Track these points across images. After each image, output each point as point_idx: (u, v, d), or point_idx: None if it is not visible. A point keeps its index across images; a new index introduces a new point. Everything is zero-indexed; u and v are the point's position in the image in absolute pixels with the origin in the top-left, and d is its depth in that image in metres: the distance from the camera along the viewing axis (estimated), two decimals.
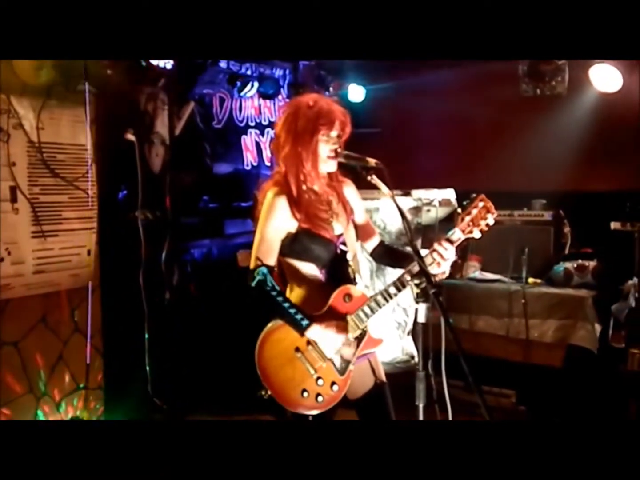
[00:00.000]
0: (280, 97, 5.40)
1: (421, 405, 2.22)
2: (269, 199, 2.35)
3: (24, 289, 3.57)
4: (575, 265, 4.28)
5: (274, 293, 2.28)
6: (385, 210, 3.91)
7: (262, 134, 5.49)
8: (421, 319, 2.25)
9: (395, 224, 3.91)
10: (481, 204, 2.33)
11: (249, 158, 5.43)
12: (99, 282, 3.97)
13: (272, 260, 2.35)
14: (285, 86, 5.48)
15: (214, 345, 4.43)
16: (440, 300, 2.14)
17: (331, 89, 5.29)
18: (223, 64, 4.78)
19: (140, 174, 3.97)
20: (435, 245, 2.34)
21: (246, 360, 4.39)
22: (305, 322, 2.26)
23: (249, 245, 4.38)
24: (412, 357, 3.97)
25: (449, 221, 4.55)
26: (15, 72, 3.43)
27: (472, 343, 4.28)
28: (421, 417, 2.22)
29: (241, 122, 5.33)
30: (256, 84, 4.91)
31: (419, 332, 2.50)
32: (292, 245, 2.37)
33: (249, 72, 5.01)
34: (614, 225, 3.96)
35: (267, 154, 5.62)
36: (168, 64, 4.07)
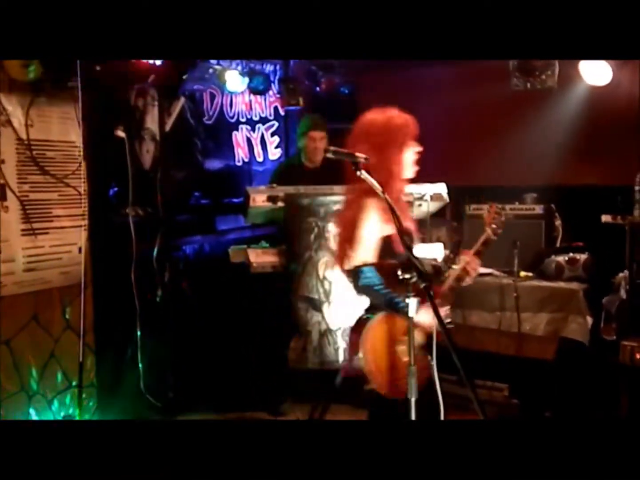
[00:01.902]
0: (270, 92, 5.40)
1: (413, 400, 2.23)
2: (368, 206, 2.57)
3: (14, 287, 3.55)
4: (566, 259, 4.28)
5: (379, 287, 2.54)
6: None
7: (253, 129, 5.48)
8: (412, 313, 2.25)
9: None
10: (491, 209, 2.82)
11: (240, 154, 5.42)
12: (90, 279, 3.96)
13: (373, 259, 2.58)
14: (276, 82, 5.47)
15: (207, 342, 4.43)
16: (430, 295, 2.15)
17: (322, 85, 5.27)
18: (213, 60, 4.77)
19: (130, 170, 3.96)
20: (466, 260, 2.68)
21: (240, 356, 4.41)
22: None
23: (240, 241, 4.43)
24: None
25: (441, 215, 4.56)
26: (3, 68, 3.41)
27: (465, 337, 4.28)
28: (413, 411, 2.22)
29: (232, 118, 5.33)
30: (246, 80, 4.90)
31: (410, 327, 2.50)
32: (380, 247, 2.60)
33: (239, 68, 4.99)
34: (605, 218, 3.96)
35: (258, 150, 5.61)
36: (158, 60, 4.06)
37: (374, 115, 2.68)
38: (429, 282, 2.17)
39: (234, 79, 4.85)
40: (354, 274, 2.59)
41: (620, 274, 3.90)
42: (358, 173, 2.34)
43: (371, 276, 2.55)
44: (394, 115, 2.66)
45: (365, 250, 2.58)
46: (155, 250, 4.18)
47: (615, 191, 4.11)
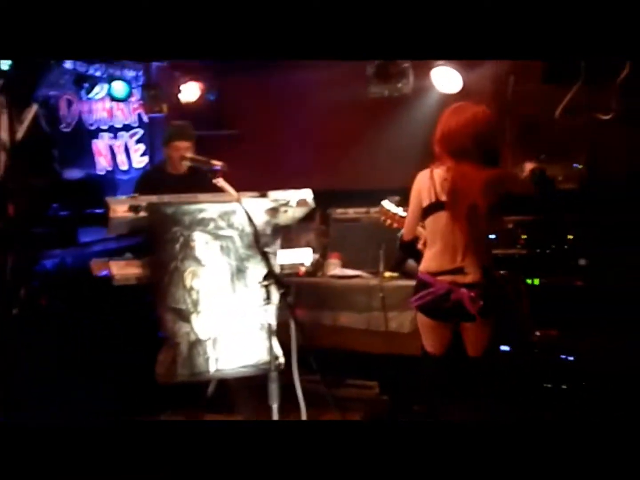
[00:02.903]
0: (133, 99, 5.24)
1: (274, 405, 2.24)
2: None
3: None
4: None
5: None
6: (241, 213, 3.89)
7: (116, 137, 5.30)
8: (272, 319, 2.27)
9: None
10: None
11: (102, 163, 5.22)
12: None
13: None
14: (138, 88, 5.32)
15: (70, 359, 4.22)
16: (287, 300, 2.18)
17: (181, 90, 5.17)
18: (69, 64, 4.55)
19: None
20: None
21: (106, 372, 4.24)
22: None
23: (105, 253, 4.25)
24: (277, 358, 3.98)
25: (307, 221, 4.63)
26: None
27: (336, 338, 4.37)
28: (276, 417, 2.23)
29: (92, 125, 5.12)
30: (106, 86, 4.73)
31: (275, 333, 2.52)
32: None
33: (98, 74, 4.81)
34: None
35: (122, 158, 5.43)
36: (5, 64, 3.83)
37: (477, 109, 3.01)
38: (286, 288, 2.20)
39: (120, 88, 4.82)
40: None
41: None
42: (214, 180, 2.33)
43: None
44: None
45: None
46: (11, 265, 3.93)
47: None
